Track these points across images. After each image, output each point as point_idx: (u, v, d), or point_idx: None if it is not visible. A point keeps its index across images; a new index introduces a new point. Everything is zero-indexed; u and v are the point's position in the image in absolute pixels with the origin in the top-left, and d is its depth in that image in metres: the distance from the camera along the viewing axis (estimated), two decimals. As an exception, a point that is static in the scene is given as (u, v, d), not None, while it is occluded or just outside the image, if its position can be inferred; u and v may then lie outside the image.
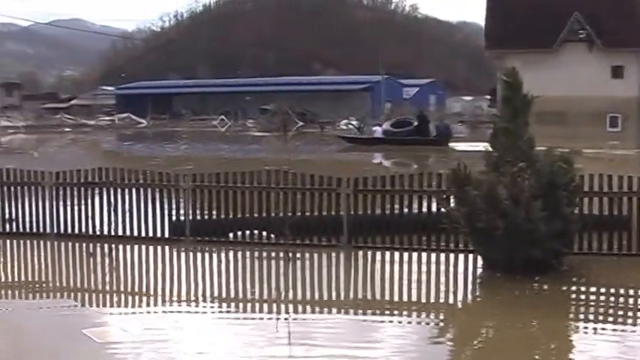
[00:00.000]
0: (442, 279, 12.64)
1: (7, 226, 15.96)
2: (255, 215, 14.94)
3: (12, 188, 15.97)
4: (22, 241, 15.33)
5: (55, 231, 15.67)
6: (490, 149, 12.61)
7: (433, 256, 13.57)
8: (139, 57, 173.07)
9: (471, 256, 13.08)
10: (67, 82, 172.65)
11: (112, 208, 15.49)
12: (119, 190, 15.49)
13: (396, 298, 11.69)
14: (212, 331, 9.92)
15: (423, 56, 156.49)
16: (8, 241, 15.38)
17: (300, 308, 10.88)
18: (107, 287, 12.20)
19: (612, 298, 11.40)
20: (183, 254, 14.28)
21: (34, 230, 15.78)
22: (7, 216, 15.95)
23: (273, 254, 13.65)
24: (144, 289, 12.35)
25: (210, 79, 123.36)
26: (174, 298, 11.47)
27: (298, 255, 13.66)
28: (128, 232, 15.35)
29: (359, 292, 12.07)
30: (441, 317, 10.82)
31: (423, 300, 11.56)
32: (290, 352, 8.65)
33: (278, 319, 10.01)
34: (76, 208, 15.70)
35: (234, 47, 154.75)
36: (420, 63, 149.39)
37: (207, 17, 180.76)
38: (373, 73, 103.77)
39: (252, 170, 15.11)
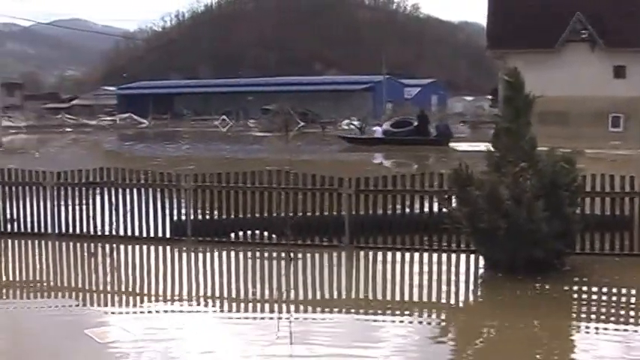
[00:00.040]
0: (444, 279, 12.62)
1: (9, 226, 15.95)
2: (257, 215, 14.93)
3: (13, 188, 15.96)
4: (23, 241, 15.33)
5: (57, 231, 15.66)
6: (492, 149, 12.60)
7: (435, 256, 13.56)
8: (141, 57, 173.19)
9: (472, 256, 13.07)
10: (68, 82, 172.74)
11: (114, 208, 15.49)
12: (120, 190, 15.48)
13: (397, 298, 11.69)
14: (214, 331, 9.91)
15: (424, 56, 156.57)
16: (10, 241, 15.38)
17: (301, 308, 10.86)
18: (108, 287, 12.19)
19: (614, 298, 11.39)
20: (184, 254, 14.27)
21: (36, 230, 15.77)
22: (8, 216, 15.94)
23: (275, 254, 13.64)
24: (145, 290, 12.34)
25: (211, 79, 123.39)
26: (176, 298, 11.45)
27: (300, 255, 13.64)
28: (129, 232, 15.34)
29: (360, 292, 12.05)
30: (443, 317, 10.82)
31: (425, 300, 11.55)
32: (291, 351, 8.64)
33: (280, 318, 10.00)
34: (77, 208, 15.69)
35: (236, 47, 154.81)
36: (421, 63, 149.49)
37: (209, 17, 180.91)
38: (375, 73, 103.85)
39: (253, 170, 15.10)
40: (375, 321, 10.38)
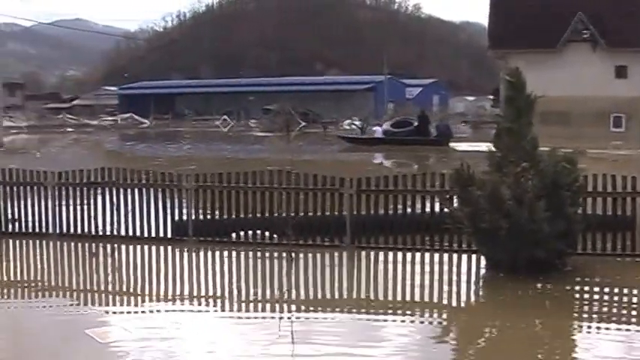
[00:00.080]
0: (445, 279, 12.62)
1: (10, 226, 15.94)
2: (258, 215, 14.92)
3: (15, 188, 15.96)
4: (24, 241, 15.33)
5: (58, 231, 15.66)
6: (493, 149, 12.59)
7: (436, 256, 13.55)
8: (142, 57, 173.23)
9: (474, 256, 13.06)
10: (69, 82, 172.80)
11: (115, 208, 15.48)
12: (122, 190, 15.47)
13: (399, 298, 11.66)
14: (215, 331, 9.90)
15: (426, 56, 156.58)
16: (11, 241, 15.38)
17: (303, 308, 10.84)
18: (110, 287, 12.20)
19: (616, 298, 11.39)
20: (185, 254, 14.27)
21: (37, 230, 15.76)
22: (10, 216, 15.94)
23: (276, 254, 13.64)
24: (146, 290, 12.34)
25: (213, 79, 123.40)
26: (177, 298, 11.44)
27: (301, 255, 13.64)
28: (131, 232, 15.34)
29: (362, 292, 12.05)
30: (444, 317, 10.81)
31: (426, 300, 11.54)
32: (293, 351, 8.64)
33: (281, 318, 10.00)
34: (78, 208, 15.69)
35: (237, 47, 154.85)
36: (423, 63, 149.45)
37: (210, 17, 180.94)
38: (376, 73, 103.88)
39: (254, 170, 15.09)
40: (376, 320, 10.38)
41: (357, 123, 68.54)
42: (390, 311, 10.83)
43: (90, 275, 13.02)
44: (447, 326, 10.44)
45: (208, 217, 15.30)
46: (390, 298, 11.66)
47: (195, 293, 11.80)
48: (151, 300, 11.54)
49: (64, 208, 15.73)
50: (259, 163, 26.02)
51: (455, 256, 13.47)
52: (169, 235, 15.20)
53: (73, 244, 15.09)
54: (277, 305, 10.85)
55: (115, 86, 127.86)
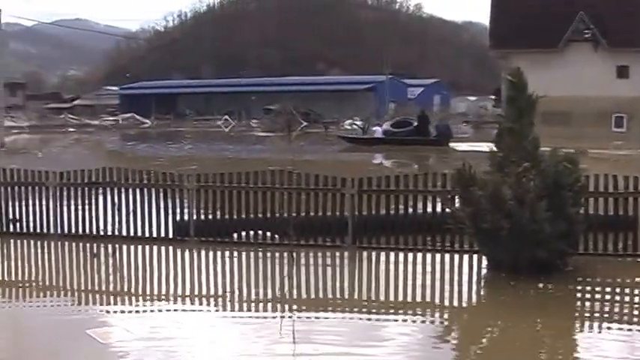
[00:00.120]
0: (447, 279, 12.60)
1: (12, 226, 15.94)
2: (260, 216, 14.92)
3: (16, 188, 15.96)
4: (26, 241, 15.34)
5: (59, 231, 15.66)
6: (495, 149, 12.58)
7: (438, 256, 13.54)
8: (143, 57, 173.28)
9: (475, 256, 13.06)
10: (70, 82, 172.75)
11: (116, 209, 15.48)
12: (123, 191, 15.48)
13: (400, 299, 11.65)
14: (216, 331, 9.89)
15: (427, 56, 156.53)
16: (12, 241, 15.38)
17: (304, 308, 10.83)
18: (111, 287, 12.19)
19: (618, 299, 11.39)
20: (187, 254, 14.26)
21: (38, 230, 15.76)
22: (11, 216, 15.94)
23: (278, 255, 13.63)
24: (148, 290, 12.35)
25: (214, 79, 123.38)
26: (179, 299, 11.44)
27: (303, 255, 13.64)
28: (132, 233, 15.34)
29: (363, 292, 12.06)
30: (446, 317, 10.82)
31: (428, 300, 11.53)
32: (294, 350, 8.63)
33: (282, 317, 10.01)
34: (80, 208, 15.69)
35: (238, 47, 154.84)
36: (424, 63, 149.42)
37: (211, 17, 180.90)
38: (377, 73, 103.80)
39: (256, 170, 15.08)
40: (377, 320, 10.37)
41: (358, 123, 68.54)
42: (391, 311, 10.80)
43: (91, 275, 13.01)
44: (449, 326, 10.44)
45: (210, 217, 15.29)
46: (391, 298, 11.63)
47: (196, 293, 11.80)
48: (152, 300, 11.54)
49: (65, 209, 15.73)
50: (261, 163, 26.01)
51: (456, 256, 13.46)
52: (171, 236, 15.19)
53: (74, 244, 15.08)
54: (279, 305, 10.85)
55: (116, 86, 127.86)
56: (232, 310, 11.11)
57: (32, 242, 15.29)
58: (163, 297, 11.63)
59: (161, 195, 15.41)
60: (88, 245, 14.74)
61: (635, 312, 10.74)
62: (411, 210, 14.31)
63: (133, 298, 11.74)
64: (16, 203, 15.91)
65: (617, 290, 11.84)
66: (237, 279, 12.89)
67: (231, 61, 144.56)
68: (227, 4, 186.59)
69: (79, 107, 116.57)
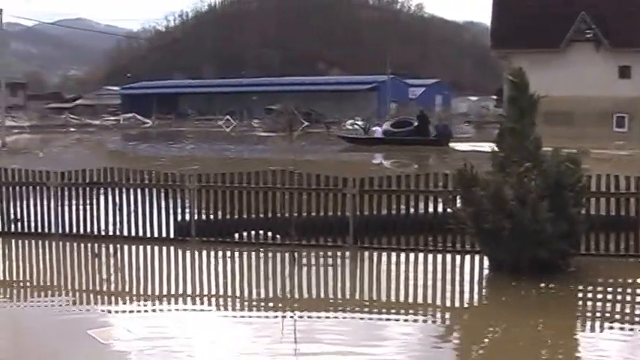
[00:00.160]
0: (448, 279, 12.57)
1: (13, 226, 15.93)
2: (261, 216, 14.91)
3: (17, 188, 15.96)
4: (27, 241, 15.32)
5: (60, 231, 15.65)
6: (496, 149, 12.56)
7: (439, 256, 13.53)
8: (144, 56, 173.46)
9: (477, 256, 13.04)
10: (71, 81, 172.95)
11: (118, 209, 15.47)
12: (124, 191, 15.46)
13: (402, 299, 11.64)
14: (218, 331, 9.88)
15: (429, 56, 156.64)
16: (13, 241, 15.37)
17: (305, 308, 10.82)
18: (112, 288, 12.17)
19: (619, 299, 11.37)
20: (188, 255, 14.25)
21: (39, 230, 15.75)
22: (12, 216, 15.93)
23: (279, 255, 13.62)
24: (149, 290, 12.33)
25: (215, 78, 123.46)
26: (180, 299, 11.43)
27: (304, 255, 13.63)
28: (133, 233, 15.33)
29: (365, 292, 12.02)
30: (447, 317, 10.80)
31: (429, 300, 11.52)
32: (296, 350, 8.63)
33: (284, 317, 10.00)
34: (81, 208, 15.68)
35: (239, 47, 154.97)
36: (425, 63, 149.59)
37: (213, 17, 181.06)
38: (379, 73, 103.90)
39: (257, 170, 15.07)
40: (379, 320, 10.36)
41: (359, 123, 68.54)
42: (393, 311, 10.79)
43: (92, 275, 13.00)
44: (450, 326, 10.43)
45: (211, 217, 15.28)
46: (392, 298, 11.62)
47: (197, 293, 11.79)
48: (153, 300, 11.53)
49: (66, 208, 15.73)
50: (262, 163, 26.02)
51: (458, 256, 13.44)
52: (172, 236, 15.18)
53: (75, 244, 15.07)
54: (280, 305, 10.83)
55: (117, 86, 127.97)
56: (234, 309, 11.11)
57: (33, 242, 15.27)
58: (164, 297, 11.61)
59: (162, 195, 15.39)
60: (89, 245, 14.72)
61: (637, 312, 10.70)
62: (412, 210, 14.31)
63: (134, 298, 11.72)
64: (18, 203, 15.89)
65: (619, 290, 11.82)
66: (239, 279, 12.88)
67: (232, 60, 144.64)
68: (228, 4, 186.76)
69: (80, 107, 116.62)
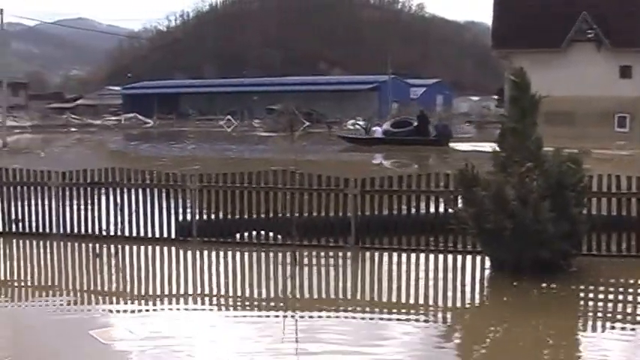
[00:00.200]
0: (449, 280, 12.56)
1: (14, 226, 15.93)
2: (262, 216, 14.90)
3: (18, 188, 15.95)
4: (28, 242, 15.32)
5: (62, 231, 15.64)
6: (498, 149, 12.55)
7: (441, 257, 13.52)
8: (145, 56, 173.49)
9: (478, 257, 13.02)
10: (72, 81, 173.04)
11: (119, 209, 15.47)
12: (126, 191, 15.46)
13: (403, 299, 11.64)
14: (219, 331, 9.88)
15: (430, 56, 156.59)
16: (14, 241, 15.37)
17: (307, 308, 10.82)
18: (113, 288, 12.18)
19: (621, 300, 11.35)
20: (189, 255, 14.24)
21: (40, 230, 15.75)
22: (13, 216, 15.93)
23: (280, 255, 13.62)
24: (150, 290, 12.33)
25: (216, 78, 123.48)
26: (181, 299, 11.43)
27: (305, 255, 13.62)
28: (134, 233, 15.32)
29: (366, 292, 12.01)
30: (449, 317, 10.79)
31: (431, 301, 11.50)
32: (297, 349, 8.62)
33: (285, 316, 10.00)
34: (82, 208, 15.67)
35: (241, 47, 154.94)
36: (427, 63, 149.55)
37: (214, 17, 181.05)
38: (380, 72, 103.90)
39: (259, 171, 15.07)
40: (381, 320, 10.35)
41: (361, 123, 68.56)
42: (394, 311, 10.78)
43: (93, 276, 13.01)
44: (452, 326, 10.41)
45: (212, 217, 15.28)
46: (394, 298, 11.62)
47: (199, 294, 11.79)
48: (154, 300, 11.53)
49: (67, 209, 15.73)
50: (263, 163, 26.01)
51: (459, 256, 13.44)
52: (173, 236, 15.18)
53: (76, 244, 15.07)
54: (282, 305, 10.83)
55: (118, 86, 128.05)
56: (235, 309, 11.10)
57: (35, 242, 15.28)
58: (166, 297, 11.62)
59: (164, 195, 15.39)
60: (90, 245, 14.71)
61: (639, 312, 10.70)
62: (413, 210, 14.31)
63: (136, 299, 11.72)
64: (19, 203, 15.89)
65: (621, 291, 11.80)
66: (240, 279, 12.87)
67: (233, 60, 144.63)
68: (229, 3, 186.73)
69: (81, 107, 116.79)
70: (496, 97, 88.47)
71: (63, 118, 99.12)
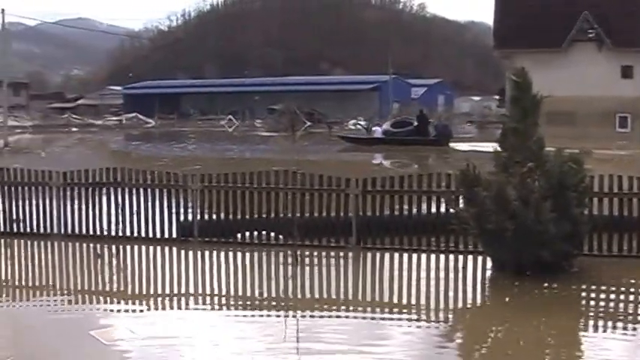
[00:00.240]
0: (451, 280, 12.57)
1: (15, 226, 15.93)
2: (264, 216, 14.90)
3: (19, 188, 15.95)
4: (29, 242, 15.31)
5: (63, 231, 15.64)
6: (499, 150, 12.54)
7: (442, 257, 13.51)
8: (146, 56, 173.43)
9: (480, 257, 13.02)
10: (73, 81, 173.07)
11: (120, 209, 15.46)
12: (127, 191, 15.45)
13: (404, 299, 11.64)
14: (220, 332, 9.87)
15: (431, 56, 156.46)
16: (15, 242, 15.38)
17: (308, 308, 10.81)
18: (114, 288, 12.17)
19: (623, 300, 11.34)
20: (191, 255, 14.24)
21: (42, 231, 15.75)
22: (14, 216, 15.92)
23: (282, 255, 13.61)
24: (151, 290, 12.32)
25: (217, 78, 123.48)
26: (182, 299, 11.43)
27: (307, 255, 13.62)
28: (136, 233, 15.32)
29: (367, 293, 12.02)
30: (450, 318, 10.78)
31: (432, 301, 11.48)
32: (298, 349, 8.62)
33: (286, 316, 10.00)
34: (83, 208, 15.66)
35: (242, 47, 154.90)
36: (428, 63, 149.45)
37: (215, 16, 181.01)
38: (381, 72, 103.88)
39: (260, 171, 15.06)
40: (382, 319, 10.34)
41: (362, 123, 68.59)
42: (395, 311, 10.78)
43: (94, 276, 13.01)
44: (453, 326, 10.40)
45: (214, 217, 15.28)
46: (395, 298, 11.62)
47: (200, 294, 11.80)
48: (155, 300, 11.52)
49: (68, 209, 15.72)
50: (264, 163, 26.02)
51: (460, 257, 13.43)
52: (174, 236, 15.17)
53: (77, 244, 15.07)
54: (283, 305, 10.82)
55: (119, 86, 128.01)
56: (236, 309, 11.09)
57: (35, 242, 15.27)
58: (167, 297, 11.61)
59: (165, 195, 15.38)
60: (91, 246, 14.72)
61: (640, 313, 10.71)
62: (415, 210, 14.30)
63: (137, 299, 11.70)
64: (20, 203, 15.88)
65: (622, 291, 11.79)
66: (241, 279, 12.87)
67: (234, 60, 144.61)
68: (231, 3, 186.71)
69: (82, 107, 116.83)
70: (497, 97, 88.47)
71: (64, 118, 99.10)
